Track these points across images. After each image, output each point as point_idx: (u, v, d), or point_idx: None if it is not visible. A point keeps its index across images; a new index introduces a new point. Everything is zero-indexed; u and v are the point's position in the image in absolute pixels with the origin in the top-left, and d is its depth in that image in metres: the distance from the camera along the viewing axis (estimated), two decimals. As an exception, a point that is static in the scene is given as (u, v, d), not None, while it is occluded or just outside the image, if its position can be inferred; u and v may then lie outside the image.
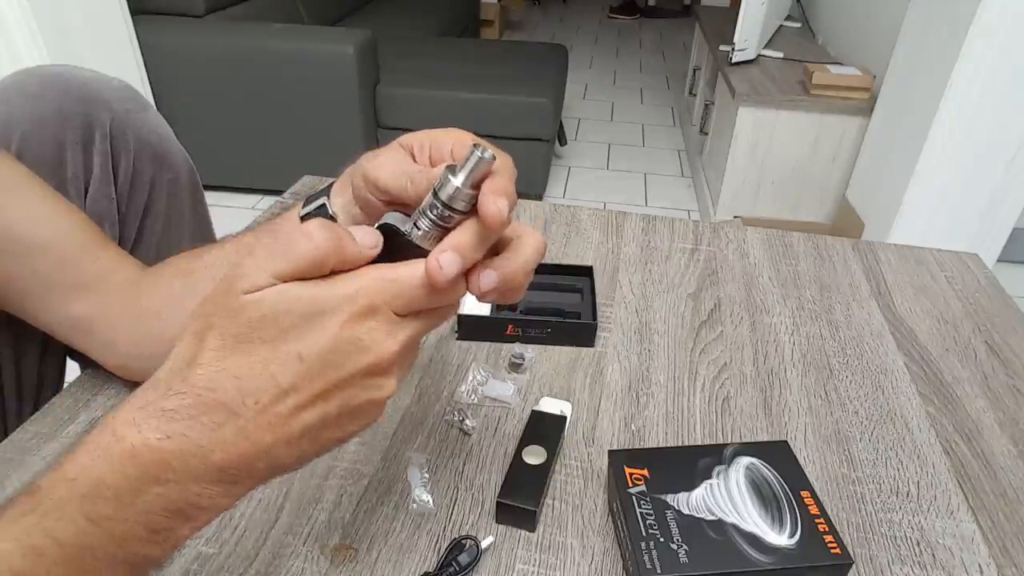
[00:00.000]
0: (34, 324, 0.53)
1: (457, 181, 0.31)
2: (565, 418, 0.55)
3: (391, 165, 0.37)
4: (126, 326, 0.51)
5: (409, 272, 0.31)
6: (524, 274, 0.35)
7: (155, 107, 0.68)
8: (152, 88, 2.14)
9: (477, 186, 0.31)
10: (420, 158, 0.37)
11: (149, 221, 0.66)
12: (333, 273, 0.30)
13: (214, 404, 0.28)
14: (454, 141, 0.36)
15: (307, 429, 0.30)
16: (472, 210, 0.32)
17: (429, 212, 0.32)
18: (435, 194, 0.31)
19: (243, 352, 0.28)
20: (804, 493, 0.46)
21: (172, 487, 0.28)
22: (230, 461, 0.29)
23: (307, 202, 0.43)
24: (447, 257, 0.31)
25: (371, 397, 0.31)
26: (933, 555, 0.47)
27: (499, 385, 0.59)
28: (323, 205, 0.42)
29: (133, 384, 0.58)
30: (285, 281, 0.29)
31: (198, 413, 0.28)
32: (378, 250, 0.32)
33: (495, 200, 0.30)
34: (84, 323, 0.51)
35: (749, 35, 2.18)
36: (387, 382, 0.32)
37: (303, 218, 0.42)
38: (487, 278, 0.33)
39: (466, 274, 0.33)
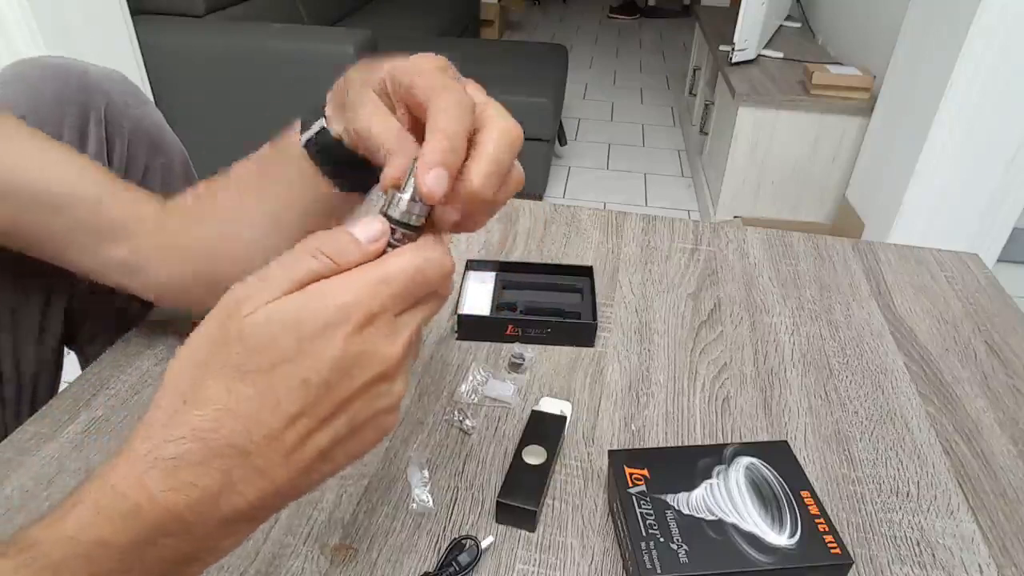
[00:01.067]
0: (81, 273, 0.54)
1: (405, 196, 0.29)
2: (565, 418, 0.55)
3: (376, 124, 0.33)
4: (167, 258, 0.52)
5: (398, 268, 0.28)
6: (495, 181, 0.31)
7: (154, 103, 0.68)
8: (152, 88, 2.14)
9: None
10: (397, 108, 0.34)
11: None
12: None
13: (222, 447, 0.26)
14: (428, 90, 0.31)
15: (321, 452, 0.28)
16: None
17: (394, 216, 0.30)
18: (387, 216, 0.30)
19: (245, 384, 0.26)
20: (804, 493, 0.46)
21: (183, 538, 0.27)
22: (248, 503, 0.27)
23: (303, 128, 0.42)
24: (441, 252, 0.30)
25: (380, 406, 0.29)
26: (933, 555, 0.47)
27: (499, 385, 0.59)
28: (323, 129, 0.41)
29: (134, 383, 0.58)
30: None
31: (205, 459, 0.26)
32: (382, 244, 0.29)
33: (427, 177, 0.28)
34: (128, 264, 0.52)
35: (749, 35, 2.18)
36: (394, 387, 0.30)
37: (305, 145, 0.42)
38: (450, 212, 0.30)
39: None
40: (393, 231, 0.30)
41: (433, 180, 0.28)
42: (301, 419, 0.27)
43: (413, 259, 0.29)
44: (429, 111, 0.30)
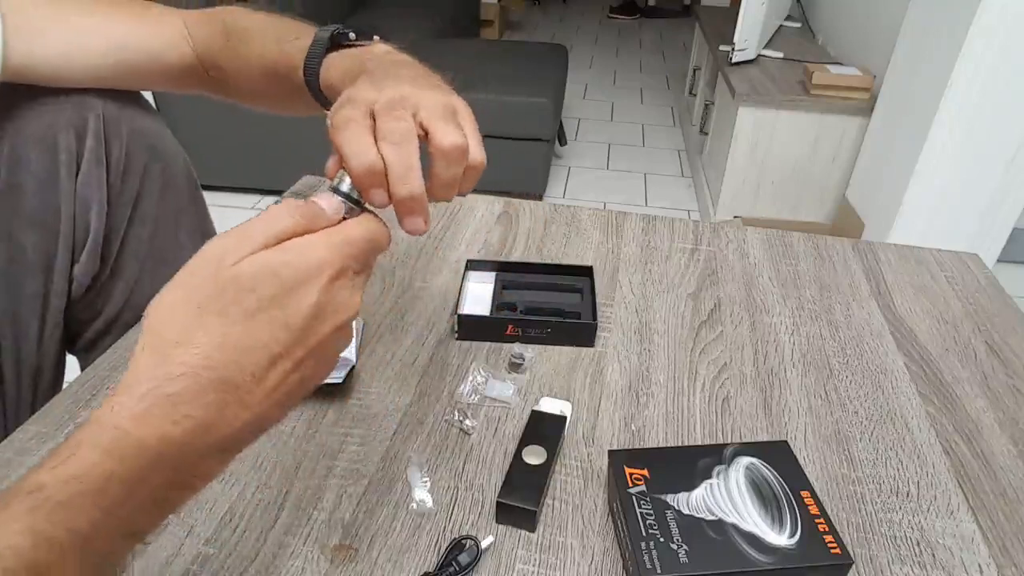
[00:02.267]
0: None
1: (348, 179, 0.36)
2: (565, 418, 0.55)
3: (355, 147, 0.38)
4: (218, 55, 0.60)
5: (358, 233, 0.34)
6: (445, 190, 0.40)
7: (153, 105, 0.68)
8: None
9: None
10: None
11: (142, 208, 0.66)
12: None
13: (217, 382, 0.29)
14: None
15: (292, 389, 0.32)
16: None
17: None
18: (335, 190, 0.36)
19: (234, 324, 0.30)
20: (804, 493, 0.46)
21: (180, 467, 0.29)
22: (234, 431, 0.30)
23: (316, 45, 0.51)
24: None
25: (340, 348, 0.35)
26: (933, 555, 0.47)
27: (499, 385, 0.59)
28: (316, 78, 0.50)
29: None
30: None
31: (202, 392, 0.29)
32: (340, 215, 0.35)
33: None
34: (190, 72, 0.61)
35: (749, 35, 2.18)
36: (347, 336, 0.35)
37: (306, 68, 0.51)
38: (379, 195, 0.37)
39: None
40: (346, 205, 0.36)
41: (376, 197, 0.36)
42: (283, 359, 0.31)
43: (368, 227, 0.35)
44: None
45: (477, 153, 0.40)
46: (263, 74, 0.56)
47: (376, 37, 0.51)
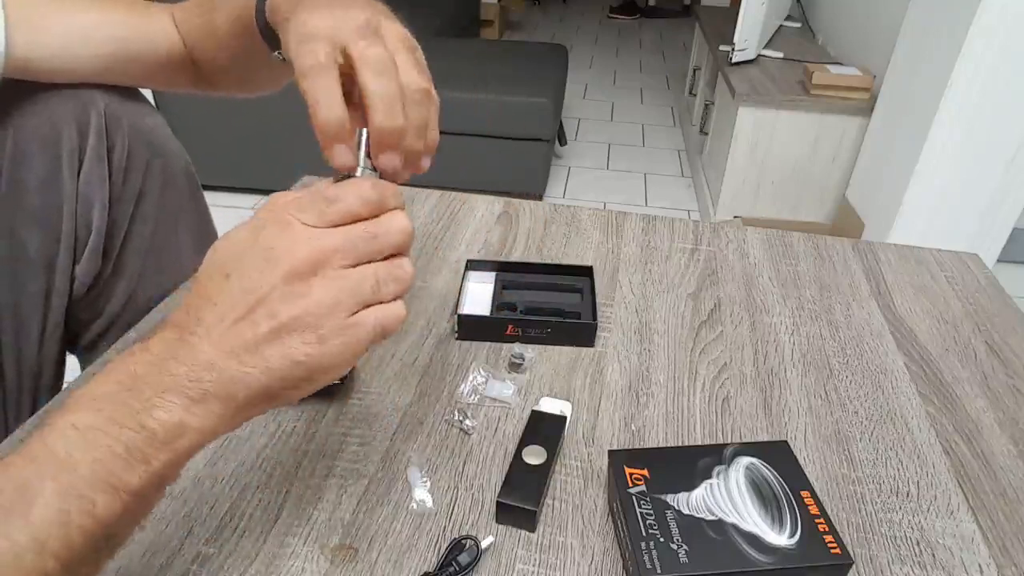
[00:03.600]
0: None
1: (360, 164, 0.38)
2: (565, 418, 0.55)
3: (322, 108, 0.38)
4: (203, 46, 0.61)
5: (314, 188, 0.35)
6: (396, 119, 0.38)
7: (153, 104, 0.68)
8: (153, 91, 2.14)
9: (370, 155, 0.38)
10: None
11: (144, 206, 0.66)
12: None
13: (170, 326, 0.34)
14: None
15: (242, 342, 0.33)
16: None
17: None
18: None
19: (196, 288, 0.35)
20: (804, 493, 0.46)
21: (139, 397, 0.32)
22: (183, 371, 0.33)
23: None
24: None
25: (295, 311, 0.33)
26: (933, 555, 0.47)
27: (499, 385, 0.59)
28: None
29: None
30: None
31: (160, 334, 0.34)
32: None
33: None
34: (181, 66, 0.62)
35: (749, 35, 2.18)
36: (310, 294, 0.33)
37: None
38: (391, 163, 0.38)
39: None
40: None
41: (387, 160, 0.38)
42: (228, 311, 0.33)
43: (331, 185, 0.36)
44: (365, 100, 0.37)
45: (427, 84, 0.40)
46: (232, 36, 0.55)
47: None
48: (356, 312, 0.35)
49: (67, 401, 0.32)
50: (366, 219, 0.35)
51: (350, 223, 0.35)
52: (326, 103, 0.35)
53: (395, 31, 0.40)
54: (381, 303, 0.36)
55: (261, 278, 0.33)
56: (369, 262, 0.35)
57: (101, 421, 0.31)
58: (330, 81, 0.36)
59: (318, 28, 0.38)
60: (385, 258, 0.36)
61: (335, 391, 0.57)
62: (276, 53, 0.50)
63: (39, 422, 0.32)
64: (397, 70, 0.37)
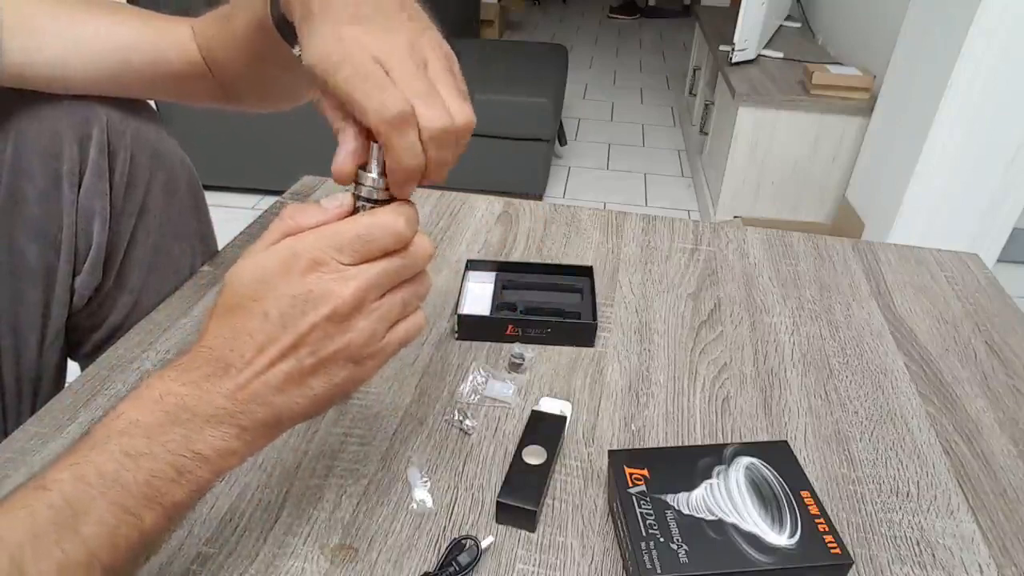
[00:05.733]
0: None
1: (372, 174, 0.36)
2: (565, 418, 0.55)
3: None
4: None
5: (347, 225, 0.35)
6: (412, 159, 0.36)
7: (155, 109, 0.68)
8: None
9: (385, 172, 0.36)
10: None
11: (146, 220, 0.66)
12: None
13: (211, 358, 0.35)
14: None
15: (288, 378, 0.35)
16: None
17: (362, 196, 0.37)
18: (357, 195, 0.37)
19: (228, 316, 0.35)
20: (804, 493, 0.46)
21: (190, 427, 0.34)
22: (231, 405, 0.34)
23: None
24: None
25: (338, 347, 0.35)
26: (933, 555, 0.47)
27: (499, 385, 0.59)
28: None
29: (134, 383, 0.58)
30: None
31: (202, 364, 0.34)
32: (344, 208, 0.36)
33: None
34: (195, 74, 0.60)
35: (749, 35, 2.18)
36: (351, 330, 0.35)
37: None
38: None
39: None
40: (364, 207, 0.36)
41: (402, 192, 0.37)
42: (268, 347, 0.34)
43: (362, 219, 0.35)
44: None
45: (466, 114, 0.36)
46: (248, 39, 0.53)
47: None
48: (392, 327, 0.37)
49: (115, 423, 0.33)
50: (396, 251, 0.36)
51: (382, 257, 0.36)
52: (346, 152, 0.36)
53: (437, 51, 0.37)
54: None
55: (303, 319, 0.34)
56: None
57: (153, 447, 0.33)
58: (384, 81, 0.34)
59: (356, 46, 0.34)
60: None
61: None
62: (295, 49, 0.47)
63: (87, 441, 0.33)
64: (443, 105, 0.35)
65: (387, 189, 0.36)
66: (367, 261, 0.35)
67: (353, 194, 0.37)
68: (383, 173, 0.36)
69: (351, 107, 0.34)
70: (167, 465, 0.33)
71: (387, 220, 0.35)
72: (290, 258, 0.34)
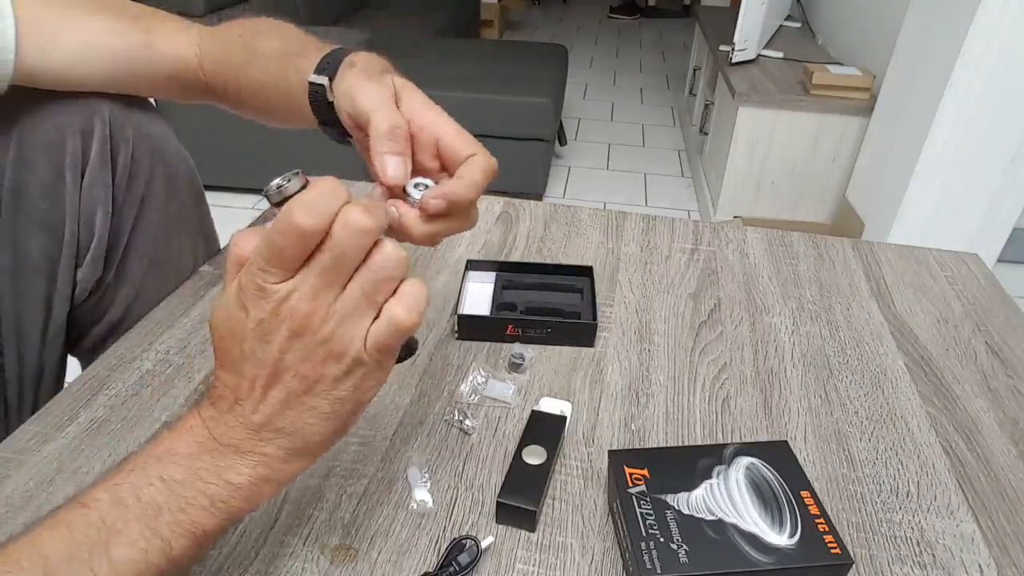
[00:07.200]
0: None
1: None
2: (565, 418, 0.55)
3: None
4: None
5: (260, 240, 0.33)
6: (472, 194, 0.41)
7: (155, 106, 0.68)
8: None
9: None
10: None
11: (147, 213, 0.66)
12: None
13: (226, 392, 0.36)
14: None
15: (285, 404, 0.35)
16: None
17: None
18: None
19: (222, 355, 0.36)
20: (804, 493, 0.46)
21: (218, 456, 0.35)
22: (250, 434, 0.35)
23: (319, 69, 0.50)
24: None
25: (317, 361, 0.34)
26: (933, 555, 0.47)
27: (499, 385, 0.59)
28: (322, 87, 0.49)
29: (134, 383, 0.58)
30: None
31: (222, 397, 0.36)
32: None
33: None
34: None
35: (749, 35, 2.18)
36: (323, 341, 0.33)
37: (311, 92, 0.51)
38: (435, 201, 0.41)
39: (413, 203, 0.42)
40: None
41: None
42: (258, 379, 0.35)
43: (276, 222, 0.32)
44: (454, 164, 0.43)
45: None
46: (266, 95, 0.56)
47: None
48: (372, 323, 0.34)
49: (155, 449, 0.35)
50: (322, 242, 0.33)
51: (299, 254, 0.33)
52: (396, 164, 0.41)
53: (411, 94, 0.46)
54: (387, 301, 0.34)
55: (270, 347, 0.34)
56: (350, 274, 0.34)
57: (188, 476, 0.34)
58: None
59: (391, 121, 0.42)
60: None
61: (414, 354, 0.51)
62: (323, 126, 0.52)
63: (129, 463, 0.35)
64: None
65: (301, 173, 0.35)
66: (298, 268, 0.32)
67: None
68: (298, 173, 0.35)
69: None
70: (199, 493, 0.34)
71: (280, 219, 0.32)
72: (238, 292, 0.34)
